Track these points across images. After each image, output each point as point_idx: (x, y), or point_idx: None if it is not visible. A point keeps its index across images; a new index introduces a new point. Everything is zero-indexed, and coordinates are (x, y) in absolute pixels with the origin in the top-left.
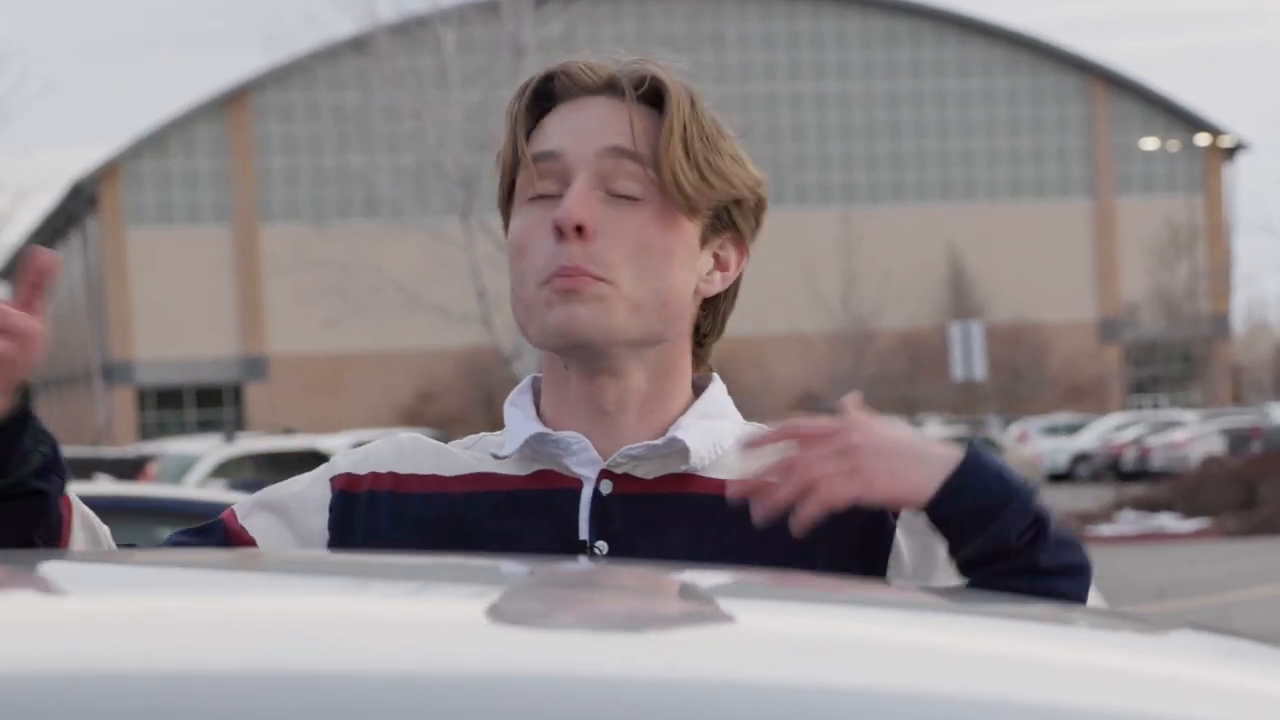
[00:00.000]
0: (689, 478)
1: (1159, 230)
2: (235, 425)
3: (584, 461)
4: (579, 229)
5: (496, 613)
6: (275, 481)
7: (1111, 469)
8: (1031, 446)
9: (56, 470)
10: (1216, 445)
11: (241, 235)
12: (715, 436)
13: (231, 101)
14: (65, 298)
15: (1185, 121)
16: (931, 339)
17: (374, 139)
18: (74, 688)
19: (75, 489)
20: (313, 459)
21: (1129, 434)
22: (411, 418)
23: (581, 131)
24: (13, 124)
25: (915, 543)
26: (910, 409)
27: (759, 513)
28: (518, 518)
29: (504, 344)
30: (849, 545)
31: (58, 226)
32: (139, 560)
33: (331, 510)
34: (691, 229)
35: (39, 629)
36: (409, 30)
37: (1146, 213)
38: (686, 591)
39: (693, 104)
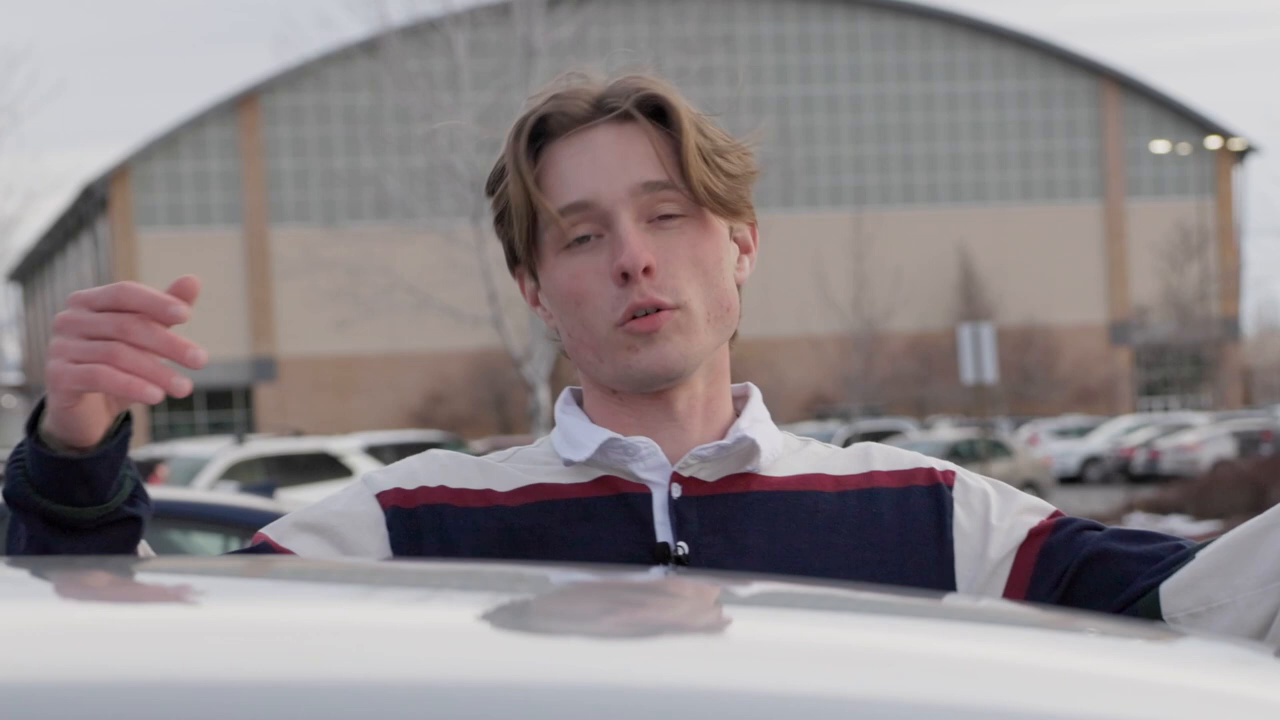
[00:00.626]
0: (750, 477)
1: (1169, 233)
2: (245, 427)
3: (651, 467)
4: (647, 270)
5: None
6: (286, 484)
7: (1122, 472)
8: (1042, 449)
9: (143, 495)
10: (1227, 448)
11: (252, 237)
12: (771, 438)
13: (242, 103)
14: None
15: (1196, 124)
16: (942, 341)
17: (384, 141)
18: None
19: None
20: (323, 461)
21: (1139, 437)
22: (422, 419)
23: (605, 172)
24: (23, 125)
25: (972, 514)
26: (920, 411)
27: None
28: (590, 524)
29: (514, 346)
30: (916, 524)
31: (68, 228)
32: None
33: (391, 528)
34: (723, 227)
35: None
36: (420, 32)
37: (1157, 215)
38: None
39: (685, 105)
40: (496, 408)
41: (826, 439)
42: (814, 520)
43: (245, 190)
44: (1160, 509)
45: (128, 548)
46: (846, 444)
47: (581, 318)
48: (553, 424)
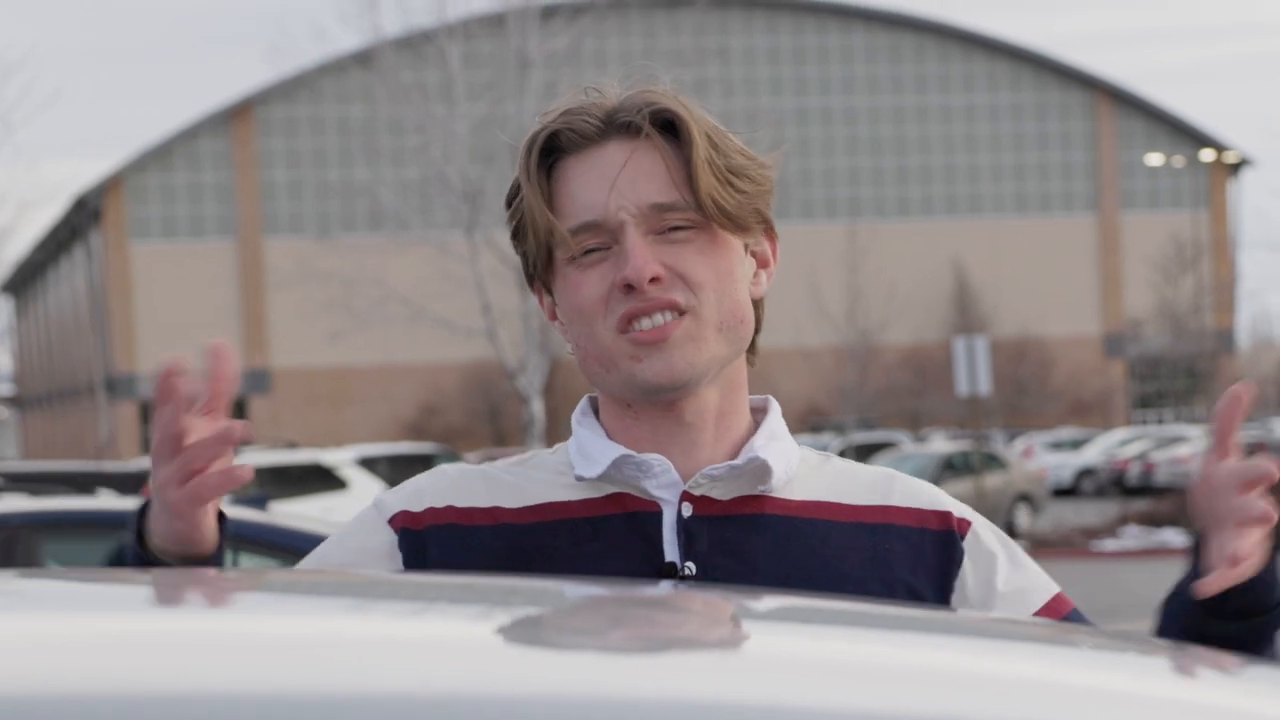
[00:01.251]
0: (764, 499)
1: (1164, 245)
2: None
3: (664, 484)
4: (654, 280)
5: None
6: (279, 496)
7: (1116, 484)
8: (1036, 461)
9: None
10: None
11: (245, 249)
12: (788, 457)
13: (236, 115)
14: (68, 311)
15: (1190, 137)
16: (936, 353)
17: (379, 153)
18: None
19: (77, 503)
20: (316, 473)
21: (1133, 449)
22: (415, 431)
23: (615, 191)
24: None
25: (979, 570)
26: (915, 423)
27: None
28: (599, 542)
29: (508, 358)
30: (925, 567)
31: (61, 239)
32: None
33: (402, 550)
34: (736, 240)
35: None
36: (414, 44)
37: (1151, 228)
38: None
39: (695, 119)
40: (490, 419)
41: (821, 450)
42: (824, 549)
43: (239, 202)
44: (1154, 521)
45: None
46: (841, 453)
47: (588, 328)
48: (546, 435)
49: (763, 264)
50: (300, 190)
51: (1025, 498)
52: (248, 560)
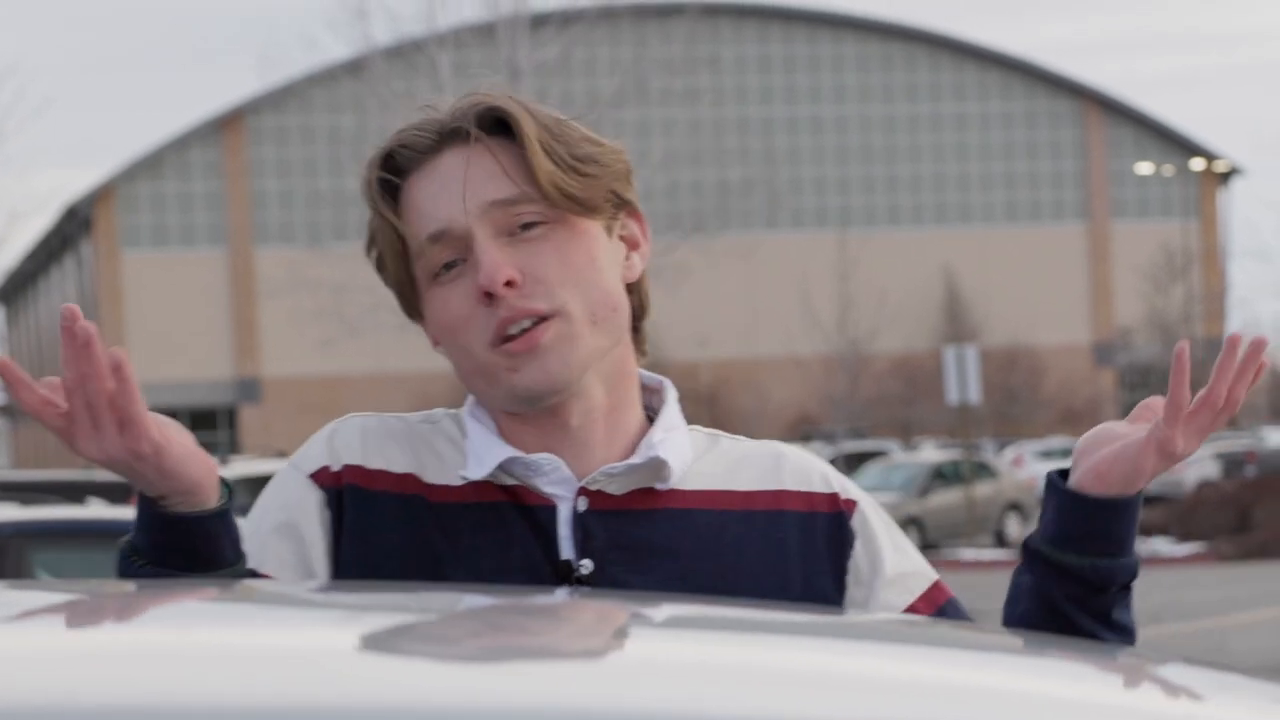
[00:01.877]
0: (659, 492)
1: (1154, 254)
2: (229, 448)
3: (555, 481)
4: (509, 284)
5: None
6: None
7: None
8: (1026, 470)
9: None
10: (1211, 469)
11: (236, 257)
12: (682, 449)
13: (226, 124)
14: (59, 320)
15: (1180, 146)
16: (927, 362)
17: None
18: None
19: (67, 512)
20: None
21: None
22: None
23: (454, 197)
24: (7, 145)
25: (869, 553)
26: (905, 432)
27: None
28: (501, 531)
29: None
30: (817, 553)
31: (52, 249)
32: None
33: (330, 509)
34: (596, 226)
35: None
36: (404, 54)
37: (1141, 237)
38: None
39: (531, 113)
40: None
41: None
42: (720, 542)
43: (230, 211)
44: (1144, 530)
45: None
46: (832, 461)
47: (462, 346)
48: None
49: (633, 246)
50: (291, 199)
51: (1015, 506)
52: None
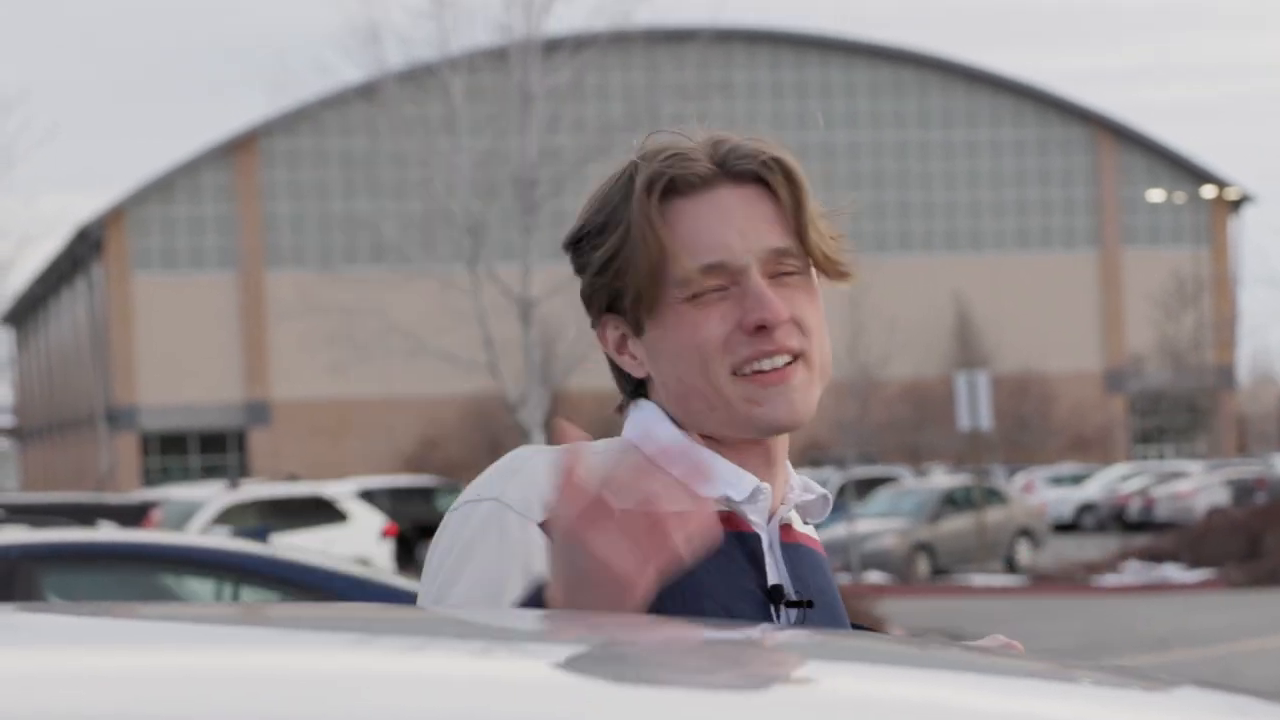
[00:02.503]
0: (789, 528)
1: (1165, 281)
2: (239, 471)
3: (759, 510)
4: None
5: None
6: (280, 528)
7: (1116, 519)
8: (1037, 496)
9: None
10: (1221, 496)
11: (247, 281)
12: None
13: (238, 147)
14: (69, 342)
15: (1191, 173)
16: (937, 388)
17: (381, 185)
18: None
19: (78, 535)
20: (317, 505)
21: (1134, 484)
22: (416, 464)
23: (737, 233)
24: (18, 169)
25: None
26: (915, 458)
27: None
28: (718, 558)
29: (509, 391)
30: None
31: (63, 271)
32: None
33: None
34: (820, 289)
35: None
36: (417, 77)
37: (1152, 264)
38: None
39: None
40: (490, 453)
41: (822, 484)
42: (827, 571)
43: (241, 234)
44: (1155, 557)
45: None
46: (841, 491)
47: (701, 367)
48: None
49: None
50: (302, 222)
51: (1026, 532)
52: (249, 593)
